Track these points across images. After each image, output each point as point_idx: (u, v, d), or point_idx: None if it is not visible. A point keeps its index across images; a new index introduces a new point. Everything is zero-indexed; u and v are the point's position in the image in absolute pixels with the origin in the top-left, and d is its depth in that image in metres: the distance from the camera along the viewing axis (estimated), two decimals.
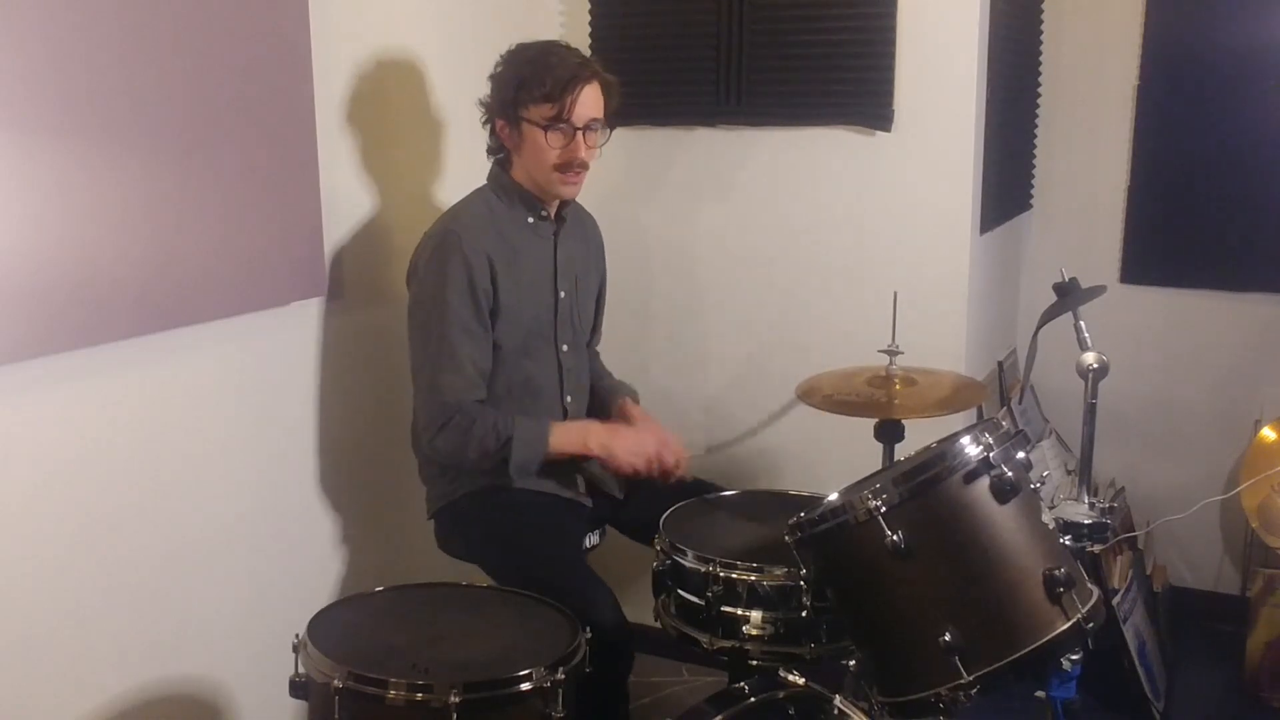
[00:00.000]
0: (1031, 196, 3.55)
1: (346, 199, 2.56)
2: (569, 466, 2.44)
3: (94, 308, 1.95)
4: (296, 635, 1.87)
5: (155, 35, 2.01)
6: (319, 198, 2.39)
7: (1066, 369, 2.38)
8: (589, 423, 2.46)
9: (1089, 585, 1.86)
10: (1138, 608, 3.00)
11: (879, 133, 2.85)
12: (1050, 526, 1.88)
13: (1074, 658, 1.86)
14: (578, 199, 2.50)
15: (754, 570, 2.10)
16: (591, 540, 2.49)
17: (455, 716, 1.71)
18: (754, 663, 2.12)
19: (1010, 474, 1.79)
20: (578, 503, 2.46)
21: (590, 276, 2.60)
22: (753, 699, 1.97)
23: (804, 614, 2.08)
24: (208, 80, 2.11)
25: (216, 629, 2.33)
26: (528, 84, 2.30)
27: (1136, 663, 2.86)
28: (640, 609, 2.31)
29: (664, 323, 3.17)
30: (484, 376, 2.34)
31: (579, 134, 2.32)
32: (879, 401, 2.37)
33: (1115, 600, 2.82)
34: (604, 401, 2.60)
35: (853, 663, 1.89)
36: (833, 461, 2.76)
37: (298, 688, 1.84)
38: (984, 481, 1.80)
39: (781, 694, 1.97)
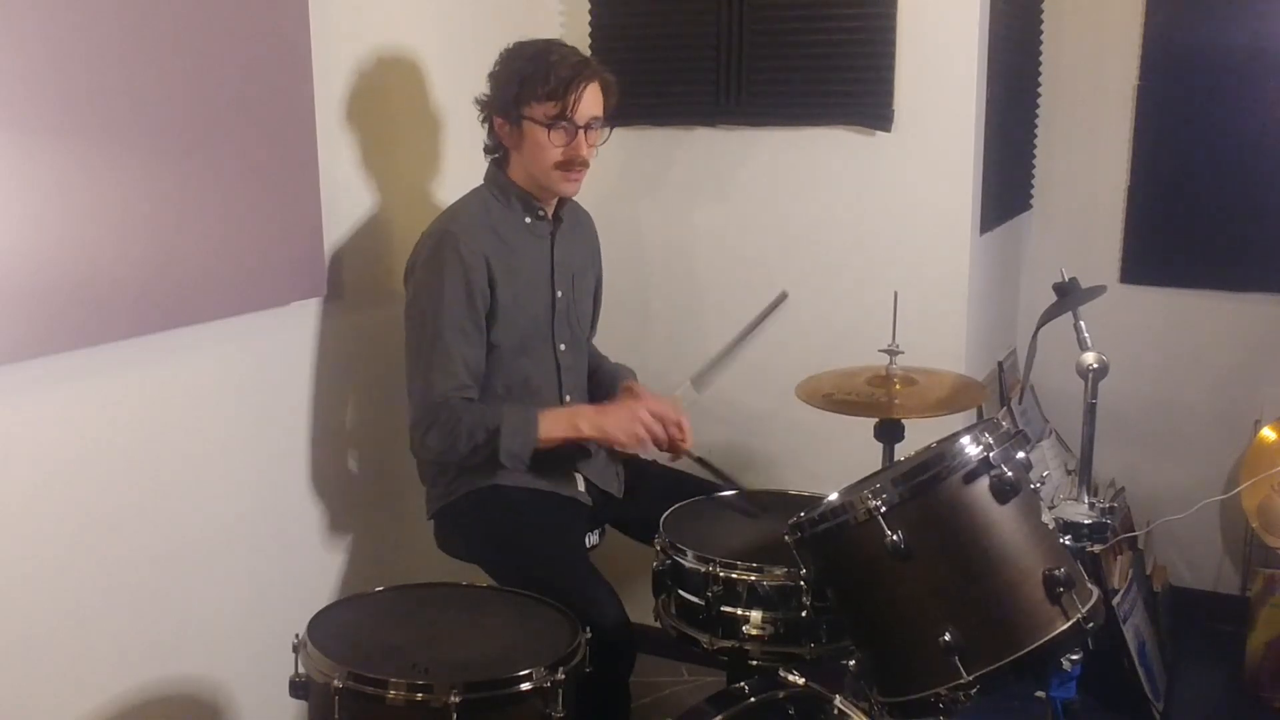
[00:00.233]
0: (1031, 196, 3.55)
1: (346, 199, 2.56)
2: (567, 464, 2.44)
3: (94, 308, 1.95)
4: (296, 635, 1.87)
5: (155, 35, 2.01)
6: (319, 198, 2.39)
7: (1066, 369, 2.38)
8: (578, 406, 2.46)
9: (1089, 585, 1.86)
10: (1138, 608, 3.00)
11: (879, 133, 2.85)
12: (1050, 526, 1.88)
13: (1074, 658, 1.86)
14: (575, 197, 2.50)
15: (754, 570, 2.10)
16: (592, 540, 2.49)
17: (455, 716, 1.71)
18: (754, 663, 2.12)
19: (1010, 474, 1.79)
20: (578, 502, 2.46)
21: (587, 275, 2.60)
22: (753, 699, 1.97)
23: (804, 614, 2.08)
24: (208, 80, 2.11)
25: (216, 629, 2.33)
26: (530, 82, 2.30)
27: (1136, 663, 2.86)
28: (640, 609, 2.31)
29: (663, 323, 3.17)
30: (476, 378, 2.34)
31: (580, 132, 2.32)
32: (879, 401, 2.37)
33: (1115, 600, 2.82)
34: (606, 385, 2.59)
35: (853, 663, 1.89)
36: (833, 461, 2.75)
37: (298, 688, 1.84)
38: (984, 481, 1.79)
39: (781, 694, 1.97)
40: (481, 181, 2.48)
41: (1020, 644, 1.74)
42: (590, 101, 2.32)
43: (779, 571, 2.09)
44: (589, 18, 3.09)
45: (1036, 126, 3.51)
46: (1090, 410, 2.33)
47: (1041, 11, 3.42)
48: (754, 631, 2.10)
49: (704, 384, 2.34)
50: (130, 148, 1.98)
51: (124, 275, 1.99)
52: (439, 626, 1.97)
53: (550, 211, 2.47)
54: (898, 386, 2.40)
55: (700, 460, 2.49)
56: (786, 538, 1.92)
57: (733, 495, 2.46)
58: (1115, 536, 2.85)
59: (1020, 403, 3.19)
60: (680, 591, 2.20)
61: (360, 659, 1.79)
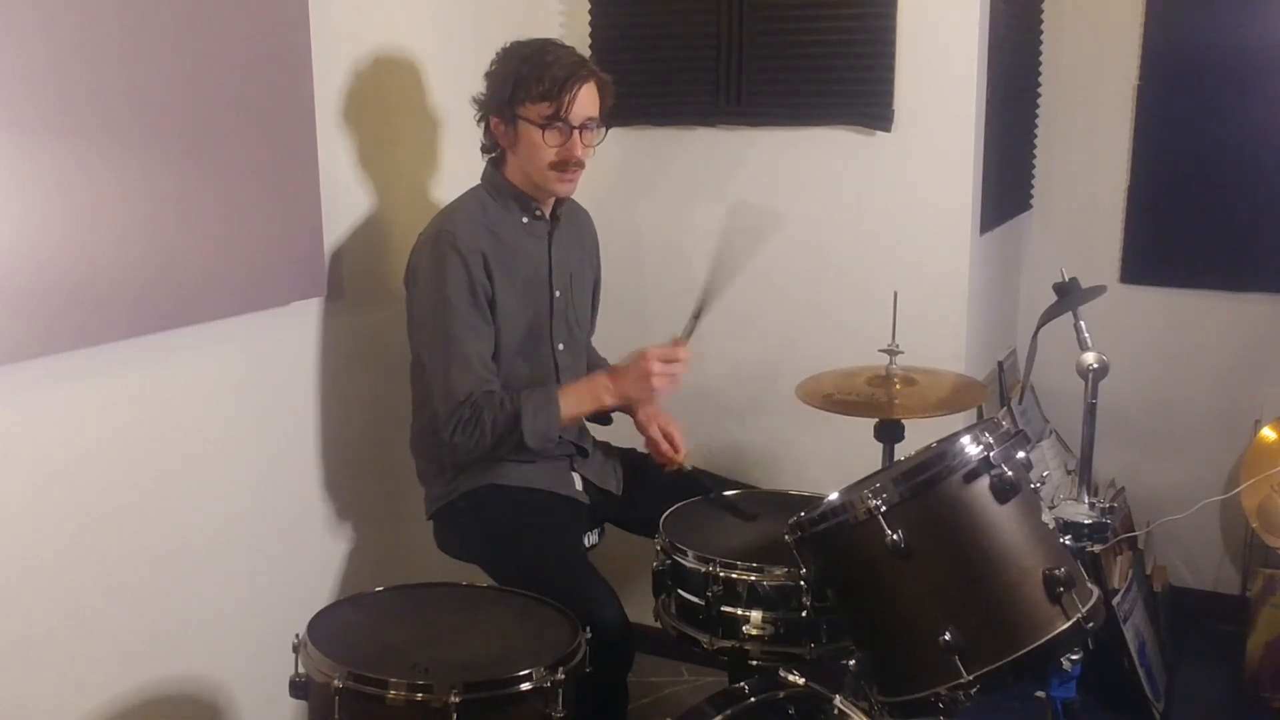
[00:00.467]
0: (1031, 196, 3.55)
1: (346, 199, 2.56)
2: (565, 464, 2.45)
3: (94, 308, 1.95)
4: (296, 635, 1.87)
5: (155, 35, 2.01)
6: (319, 198, 2.39)
7: (1066, 369, 2.38)
8: (593, 377, 2.44)
9: (1089, 585, 1.86)
10: (1138, 608, 3.00)
11: (879, 133, 2.85)
12: (1050, 526, 1.88)
13: (1074, 657, 1.86)
14: (574, 196, 2.50)
15: (754, 570, 2.10)
16: (591, 539, 2.49)
17: (455, 716, 1.71)
18: (754, 663, 2.12)
19: (1010, 474, 1.79)
20: (576, 501, 2.46)
21: (585, 275, 2.60)
22: (753, 699, 1.97)
23: (804, 614, 2.08)
24: (208, 80, 2.11)
25: (216, 629, 2.33)
26: (525, 82, 2.29)
27: (1136, 663, 2.86)
28: (640, 609, 2.31)
29: (663, 323, 3.14)
30: (491, 370, 2.34)
31: (575, 133, 2.32)
32: (879, 401, 2.37)
33: (1115, 600, 2.82)
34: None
35: (853, 663, 1.89)
36: (833, 461, 2.75)
37: (298, 688, 1.84)
38: (984, 481, 1.80)
39: (781, 694, 1.97)
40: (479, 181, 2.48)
41: (1020, 644, 1.74)
42: (585, 102, 2.32)
43: (779, 571, 2.09)
44: (589, 18, 3.09)
45: (1036, 126, 3.51)
46: (1090, 410, 2.32)
47: (1041, 11, 3.42)
48: (754, 631, 2.10)
49: (705, 312, 2.38)
50: (130, 148, 1.98)
51: (124, 275, 1.99)
52: (439, 626, 1.97)
53: (547, 211, 2.47)
54: (898, 386, 2.40)
55: (695, 472, 2.52)
56: (786, 537, 1.93)
57: (731, 496, 2.46)
58: (1115, 536, 2.85)
59: (1020, 403, 3.19)
60: (680, 591, 2.19)
61: (360, 659, 1.79)
